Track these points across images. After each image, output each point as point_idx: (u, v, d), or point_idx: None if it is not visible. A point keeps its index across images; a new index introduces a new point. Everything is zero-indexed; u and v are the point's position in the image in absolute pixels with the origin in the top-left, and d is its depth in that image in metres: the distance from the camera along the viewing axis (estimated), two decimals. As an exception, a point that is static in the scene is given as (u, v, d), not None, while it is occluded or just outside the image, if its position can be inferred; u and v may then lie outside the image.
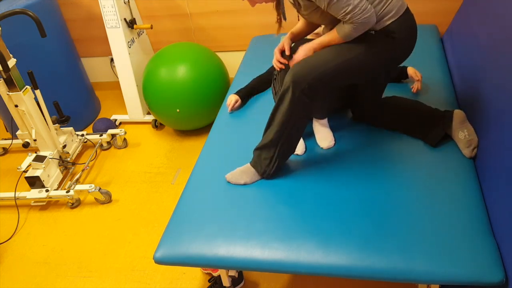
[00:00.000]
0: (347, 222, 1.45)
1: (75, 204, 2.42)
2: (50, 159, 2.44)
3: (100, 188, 2.36)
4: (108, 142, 2.82)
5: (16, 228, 2.35)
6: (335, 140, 1.80)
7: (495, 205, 1.38)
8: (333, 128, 1.87)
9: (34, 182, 2.35)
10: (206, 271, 1.92)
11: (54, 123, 2.52)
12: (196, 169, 1.79)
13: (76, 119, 2.96)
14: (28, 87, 2.30)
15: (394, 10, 1.47)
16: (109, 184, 2.54)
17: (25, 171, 2.40)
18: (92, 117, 3.13)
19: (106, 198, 2.40)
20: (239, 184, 1.66)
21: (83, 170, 2.63)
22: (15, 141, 2.84)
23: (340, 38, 1.50)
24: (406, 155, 1.67)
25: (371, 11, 1.40)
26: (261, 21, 2.87)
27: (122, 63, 2.74)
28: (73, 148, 2.66)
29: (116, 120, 3.00)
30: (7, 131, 3.07)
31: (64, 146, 2.56)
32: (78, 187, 2.37)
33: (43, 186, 2.37)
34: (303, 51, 1.56)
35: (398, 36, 1.48)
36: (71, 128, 2.67)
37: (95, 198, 2.43)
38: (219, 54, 3.10)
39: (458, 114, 1.65)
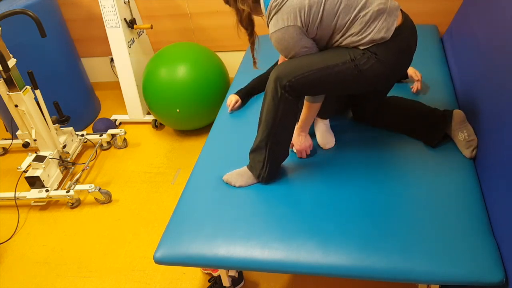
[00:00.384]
0: (347, 222, 1.45)
1: (75, 204, 2.42)
2: (50, 159, 2.44)
3: (100, 188, 2.36)
4: (108, 142, 2.82)
5: (16, 228, 2.35)
6: (335, 141, 1.80)
7: (495, 205, 1.38)
8: (334, 128, 1.87)
9: (34, 182, 2.35)
10: (206, 271, 1.92)
11: (54, 123, 2.52)
12: (196, 169, 1.79)
13: (76, 119, 2.96)
14: (28, 87, 2.30)
15: (375, 36, 1.43)
16: (109, 184, 2.54)
17: (25, 171, 2.40)
18: (92, 117, 3.13)
19: (106, 198, 2.40)
20: (235, 186, 1.66)
21: (83, 170, 2.63)
22: (15, 141, 2.84)
23: (309, 103, 1.61)
24: (406, 155, 1.67)
25: None
26: (261, 21, 2.86)
27: (122, 63, 2.74)
28: (73, 148, 2.66)
29: (116, 120, 3.00)
30: (7, 131, 3.07)
31: (64, 146, 2.56)
32: (78, 187, 2.37)
33: (43, 186, 2.37)
34: (298, 146, 1.72)
35: (383, 58, 1.45)
36: (71, 128, 2.67)
37: (95, 198, 2.43)
38: (219, 54, 3.10)
39: (457, 114, 1.64)
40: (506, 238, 1.26)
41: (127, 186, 2.50)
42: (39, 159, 2.38)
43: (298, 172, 1.69)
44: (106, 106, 3.29)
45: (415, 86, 1.99)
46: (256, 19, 1.66)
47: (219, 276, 1.77)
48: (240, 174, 1.67)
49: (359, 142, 1.78)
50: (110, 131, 2.76)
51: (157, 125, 2.93)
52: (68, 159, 2.61)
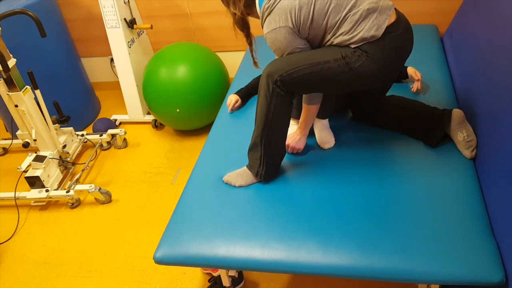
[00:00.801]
0: (347, 222, 1.45)
1: (75, 204, 2.42)
2: (50, 159, 2.44)
3: (100, 188, 2.36)
4: (108, 142, 2.82)
5: (16, 228, 2.35)
6: (335, 140, 1.80)
7: (495, 205, 1.38)
8: (333, 128, 1.87)
9: (34, 182, 2.35)
10: (206, 271, 1.92)
11: (54, 123, 2.52)
12: (196, 169, 1.79)
13: (76, 119, 2.96)
14: (28, 87, 2.30)
15: (364, 36, 1.44)
16: (109, 184, 2.54)
17: (25, 171, 2.40)
18: (92, 117, 3.13)
19: (106, 198, 2.40)
20: (235, 186, 1.66)
21: (83, 170, 2.63)
22: (15, 141, 2.84)
23: (306, 105, 1.63)
24: (406, 155, 1.67)
25: None
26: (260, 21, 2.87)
27: (122, 63, 2.74)
28: (73, 148, 2.66)
29: (116, 120, 3.00)
30: (7, 131, 3.07)
31: (64, 146, 2.56)
32: (78, 187, 2.37)
33: (43, 186, 2.37)
34: (291, 141, 1.74)
35: (374, 56, 1.45)
36: (71, 128, 2.67)
37: (95, 198, 2.43)
38: (219, 54, 3.10)
39: (456, 114, 1.64)
40: (506, 238, 1.26)
41: (127, 186, 2.50)
42: (39, 159, 2.38)
43: (298, 172, 1.69)
44: (106, 106, 3.29)
45: (415, 86, 1.99)
46: (255, 20, 1.67)
47: (219, 276, 1.77)
48: (239, 174, 1.67)
49: (359, 142, 1.78)
50: (110, 131, 2.76)
51: (157, 125, 2.93)
52: (68, 159, 2.61)
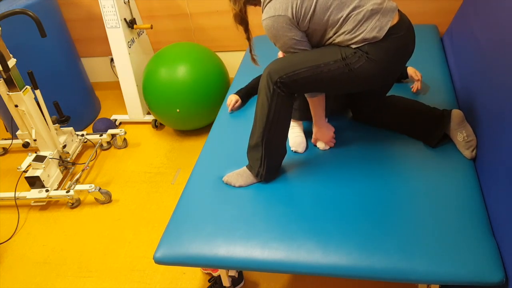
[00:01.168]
0: (347, 222, 1.45)
1: (75, 204, 2.42)
2: (50, 159, 2.44)
3: (100, 188, 2.36)
4: (108, 142, 2.82)
5: (16, 228, 2.35)
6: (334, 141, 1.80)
7: (495, 205, 1.38)
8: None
9: (34, 182, 2.35)
10: (206, 271, 1.92)
11: (54, 123, 2.52)
12: (196, 169, 1.79)
13: (76, 119, 2.96)
14: (28, 87, 2.30)
15: (365, 36, 1.44)
16: (109, 184, 2.54)
17: (25, 171, 2.40)
18: (92, 117, 3.13)
19: (106, 198, 2.40)
20: (235, 186, 1.66)
21: (83, 170, 2.63)
22: (15, 141, 2.84)
23: (309, 98, 1.64)
24: (405, 155, 1.67)
25: None
26: (261, 21, 2.87)
27: (122, 63, 2.74)
28: (73, 148, 2.66)
29: (116, 120, 3.00)
30: (7, 131, 3.07)
31: (64, 146, 2.56)
32: (78, 187, 2.37)
33: (43, 186, 2.37)
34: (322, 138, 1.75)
35: (375, 57, 1.45)
36: (71, 128, 2.67)
37: (95, 198, 2.43)
38: (219, 54, 3.10)
39: (456, 114, 1.64)
40: (506, 238, 1.26)
41: (127, 186, 2.50)
42: (39, 159, 2.38)
43: (298, 172, 1.69)
44: (106, 106, 3.29)
45: (415, 86, 1.99)
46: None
47: (219, 276, 1.77)
48: (239, 174, 1.67)
49: (358, 142, 1.78)
50: (110, 131, 2.76)
51: (157, 125, 2.93)
52: (68, 159, 2.61)
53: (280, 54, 1.84)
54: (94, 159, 2.75)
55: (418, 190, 1.52)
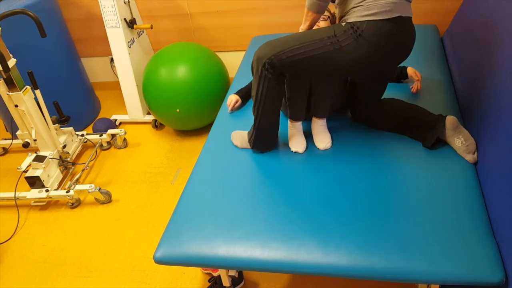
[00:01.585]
0: (347, 222, 1.45)
1: (75, 204, 2.42)
2: (50, 159, 2.44)
3: (100, 188, 2.36)
4: (108, 142, 2.82)
5: (16, 228, 2.35)
6: (332, 142, 1.80)
7: (495, 205, 1.38)
8: (332, 129, 1.87)
9: (34, 182, 2.35)
10: (206, 271, 1.92)
11: (54, 123, 2.52)
12: (196, 169, 1.80)
13: (76, 119, 2.97)
14: (28, 87, 2.30)
15: (373, 10, 1.46)
16: (109, 184, 2.54)
17: (25, 171, 2.40)
18: (92, 117, 3.13)
19: (106, 198, 2.40)
20: (233, 143, 1.87)
21: (83, 170, 2.63)
22: (15, 141, 2.84)
23: (307, 9, 1.62)
24: (405, 155, 1.67)
25: None
26: (261, 21, 2.87)
27: (122, 63, 2.74)
28: (73, 148, 2.66)
29: (116, 120, 3.00)
30: (7, 131, 3.07)
31: (64, 146, 2.56)
32: (78, 187, 2.37)
33: (43, 186, 2.37)
34: None
35: (367, 37, 1.46)
36: (71, 128, 2.67)
37: (95, 198, 2.43)
38: (219, 54, 3.10)
39: (450, 121, 1.62)
40: (506, 238, 1.26)
41: (127, 186, 2.50)
42: (39, 159, 2.38)
43: (297, 172, 1.69)
44: (106, 106, 3.29)
45: (415, 86, 1.99)
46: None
47: (219, 276, 1.77)
48: (242, 136, 1.85)
49: (358, 142, 1.78)
50: (110, 131, 2.76)
51: (157, 125, 2.93)
52: (68, 159, 2.61)
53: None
54: (94, 159, 2.75)
55: (418, 190, 1.52)
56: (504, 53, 1.53)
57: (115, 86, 3.44)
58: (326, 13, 1.85)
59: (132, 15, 2.73)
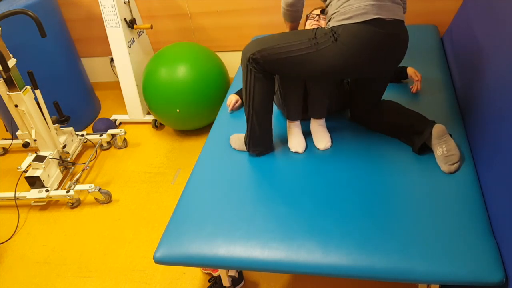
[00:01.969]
0: (347, 222, 1.45)
1: (75, 204, 2.42)
2: (50, 159, 2.44)
3: (100, 188, 2.36)
4: (108, 142, 2.82)
5: (16, 228, 2.35)
6: (332, 142, 1.80)
7: (495, 205, 1.38)
8: (331, 129, 1.87)
9: (34, 182, 2.35)
10: (206, 271, 1.92)
11: (54, 123, 2.52)
12: (196, 169, 1.80)
13: (76, 119, 2.97)
14: (28, 87, 2.30)
15: (348, 14, 1.47)
16: (109, 184, 2.54)
17: (25, 171, 2.40)
18: (92, 117, 3.13)
19: (106, 198, 2.40)
20: (231, 146, 1.86)
21: (83, 170, 2.63)
22: (15, 141, 2.84)
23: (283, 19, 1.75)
24: (405, 155, 1.67)
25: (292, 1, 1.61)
26: (261, 21, 2.87)
27: (122, 63, 2.74)
28: (73, 148, 2.66)
29: (116, 120, 3.00)
30: (7, 131, 3.07)
31: (64, 146, 2.56)
32: (78, 187, 2.37)
33: (43, 186, 2.37)
34: None
35: (342, 40, 1.47)
36: (71, 128, 2.67)
37: (95, 198, 2.43)
38: (219, 54, 3.10)
39: (436, 129, 1.60)
40: (506, 238, 1.26)
41: (127, 186, 2.50)
42: (39, 159, 2.38)
43: (298, 172, 1.69)
44: (106, 106, 3.29)
45: (415, 86, 1.99)
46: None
47: (219, 276, 1.77)
48: (239, 138, 1.84)
49: (358, 142, 1.78)
50: (110, 131, 2.76)
51: (157, 125, 2.93)
52: (68, 159, 2.61)
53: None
54: (94, 159, 2.75)
55: (418, 190, 1.52)
56: (504, 53, 1.53)
57: (115, 86, 3.44)
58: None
59: (132, 15, 2.73)
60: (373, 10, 1.45)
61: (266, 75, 1.63)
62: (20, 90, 2.24)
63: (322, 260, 1.35)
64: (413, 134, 1.67)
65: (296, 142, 1.79)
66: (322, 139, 1.79)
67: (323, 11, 1.95)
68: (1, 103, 2.70)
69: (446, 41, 2.36)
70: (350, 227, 1.43)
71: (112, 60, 3.29)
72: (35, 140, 2.42)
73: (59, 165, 2.58)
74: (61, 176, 2.53)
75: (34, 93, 2.40)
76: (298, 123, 1.81)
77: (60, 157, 2.56)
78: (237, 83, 2.31)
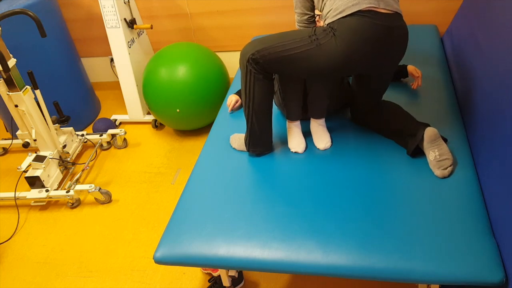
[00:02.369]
0: (347, 222, 1.45)
1: (75, 204, 2.42)
2: (50, 159, 2.44)
3: (100, 188, 2.36)
4: (108, 142, 2.82)
5: (16, 228, 2.35)
6: (331, 141, 1.80)
7: (495, 205, 1.38)
8: (331, 129, 1.87)
9: (34, 182, 2.35)
10: (206, 271, 1.92)
11: (54, 123, 2.52)
12: (196, 169, 1.80)
13: (76, 119, 2.97)
14: (28, 87, 2.30)
15: (340, 9, 1.51)
16: (109, 184, 2.54)
17: (25, 171, 2.40)
18: (92, 117, 3.13)
19: (106, 198, 2.40)
20: (231, 145, 1.87)
21: (83, 170, 2.63)
22: (15, 141, 2.84)
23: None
24: (405, 155, 1.67)
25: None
26: (261, 21, 2.87)
27: (122, 63, 2.74)
28: (73, 148, 2.66)
29: (116, 120, 3.00)
30: (7, 131, 3.07)
31: (64, 146, 2.56)
32: (78, 187, 2.37)
33: (43, 186, 2.37)
34: None
35: (339, 34, 1.48)
36: (71, 128, 2.67)
37: (95, 198, 2.43)
38: (219, 54, 3.10)
39: (427, 133, 1.59)
40: (506, 238, 1.26)
41: (127, 186, 2.50)
42: (39, 159, 2.38)
43: (298, 172, 1.69)
44: (106, 106, 3.29)
45: (416, 82, 1.98)
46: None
47: (219, 276, 1.77)
48: (239, 138, 1.84)
49: (358, 142, 1.78)
50: (110, 131, 2.76)
51: (157, 125, 2.93)
52: (68, 159, 2.61)
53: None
54: (94, 159, 2.75)
55: (419, 190, 1.52)
56: (504, 53, 1.53)
57: (115, 86, 3.44)
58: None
59: (132, 15, 2.73)
60: (364, 0, 1.48)
61: (266, 75, 1.62)
62: (20, 90, 2.24)
63: (322, 260, 1.35)
64: (406, 137, 1.67)
65: (296, 142, 1.79)
66: (322, 139, 1.79)
67: None
68: (1, 103, 2.70)
69: (446, 41, 2.36)
70: (350, 227, 1.43)
71: (112, 60, 3.29)
72: (35, 140, 2.42)
73: (59, 165, 2.58)
74: (61, 176, 2.53)
75: (34, 93, 2.40)
76: (298, 123, 1.81)
77: (60, 157, 2.56)
78: (237, 83, 2.31)
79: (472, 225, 1.37)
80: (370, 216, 1.45)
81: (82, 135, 2.78)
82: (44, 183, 2.36)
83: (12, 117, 2.54)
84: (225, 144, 1.90)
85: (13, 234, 2.32)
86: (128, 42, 2.71)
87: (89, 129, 3.06)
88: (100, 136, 2.76)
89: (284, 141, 1.85)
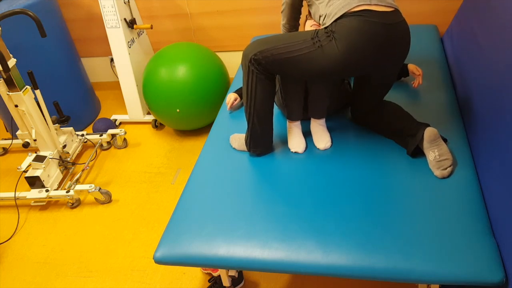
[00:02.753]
0: (347, 222, 1.45)
1: (75, 204, 2.42)
2: (50, 159, 2.44)
3: (100, 188, 2.36)
4: (108, 142, 2.82)
5: (16, 228, 2.35)
6: (332, 141, 1.80)
7: (495, 205, 1.38)
8: (332, 129, 1.87)
9: (34, 182, 2.35)
10: (206, 271, 1.92)
11: (54, 123, 2.52)
12: (196, 169, 1.80)
13: (76, 119, 2.97)
14: (28, 87, 2.30)
15: (334, 12, 1.52)
16: (109, 184, 2.54)
17: (25, 171, 2.40)
18: (92, 117, 3.13)
19: (106, 198, 2.40)
20: (231, 145, 1.87)
21: (83, 170, 2.63)
22: (15, 141, 2.84)
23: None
24: (405, 156, 1.67)
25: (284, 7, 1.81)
26: (261, 21, 2.87)
27: (122, 63, 2.74)
28: (73, 148, 2.66)
29: (116, 120, 3.00)
30: (7, 131, 3.07)
31: (64, 146, 2.56)
32: (78, 187, 2.37)
33: (43, 186, 2.37)
34: None
35: (339, 36, 1.48)
36: (71, 128, 2.67)
37: (95, 198, 2.43)
38: (219, 54, 3.10)
39: (427, 133, 1.59)
40: (506, 238, 1.26)
41: (127, 186, 2.50)
42: (39, 159, 2.38)
43: (298, 172, 1.69)
44: (106, 106, 3.29)
45: (416, 81, 1.98)
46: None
47: (219, 276, 1.77)
48: (240, 138, 1.84)
49: (358, 142, 1.78)
50: (110, 131, 2.76)
51: (157, 125, 2.93)
52: (68, 159, 2.61)
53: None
54: (94, 159, 2.75)
55: (419, 190, 1.52)
56: (504, 53, 1.53)
57: (115, 86, 3.44)
58: None
59: (132, 15, 2.73)
60: (354, 0, 1.50)
61: (268, 76, 1.62)
62: (20, 90, 2.24)
63: (322, 260, 1.35)
64: (406, 137, 1.67)
65: (296, 142, 1.79)
66: (322, 139, 1.79)
67: None
68: (1, 103, 2.70)
69: (446, 41, 2.36)
70: (350, 227, 1.43)
71: (112, 60, 3.29)
72: (35, 140, 2.42)
73: (59, 165, 2.58)
74: (61, 176, 2.53)
75: (34, 93, 2.40)
76: (298, 123, 1.81)
77: (60, 157, 2.56)
78: (237, 83, 2.31)
79: (472, 225, 1.37)
80: (370, 216, 1.45)
81: (82, 135, 2.78)
82: (44, 183, 2.36)
83: (12, 117, 2.54)
84: (225, 144, 1.90)
85: (13, 234, 2.32)
86: (128, 42, 2.71)
87: (89, 129, 3.06)
88: (100, 136, 2.76)
89: (284, 141, 1.85)
